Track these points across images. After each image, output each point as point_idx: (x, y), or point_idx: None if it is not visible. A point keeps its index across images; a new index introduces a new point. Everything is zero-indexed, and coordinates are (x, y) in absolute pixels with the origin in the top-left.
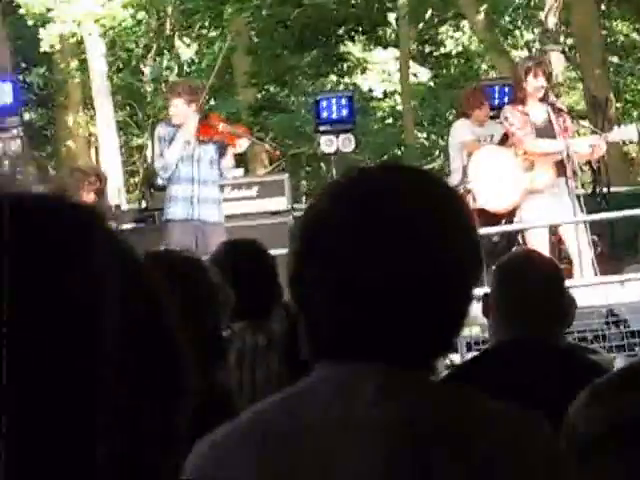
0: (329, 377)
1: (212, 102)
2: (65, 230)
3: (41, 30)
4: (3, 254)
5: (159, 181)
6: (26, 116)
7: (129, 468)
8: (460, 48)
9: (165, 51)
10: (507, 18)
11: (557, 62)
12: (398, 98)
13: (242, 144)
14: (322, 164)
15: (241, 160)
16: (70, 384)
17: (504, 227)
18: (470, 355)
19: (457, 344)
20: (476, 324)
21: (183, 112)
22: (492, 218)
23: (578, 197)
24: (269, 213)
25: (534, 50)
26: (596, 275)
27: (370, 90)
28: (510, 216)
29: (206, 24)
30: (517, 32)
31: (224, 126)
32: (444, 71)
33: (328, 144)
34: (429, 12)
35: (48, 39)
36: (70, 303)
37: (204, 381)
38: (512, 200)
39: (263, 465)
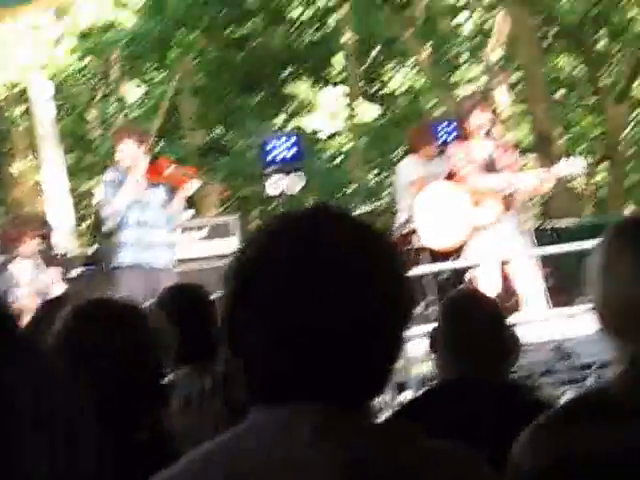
0: (268, 419)
1: (159, 145)
2: None
3: None
4: None
5: (106, 228)
6: None
7: None
8: (406, 86)
9: (111, 95)
10: (452, 55)
11: (503, 97)
12: (346, 137)
13: (192, 186)
14: (272, 204)
15: (191, 202)
16: None
17: (452, 264)
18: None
19: (411, 381)
20: (429, 360)
21: (132, 154)
22: (440, 255)
23: (527, 231)
24: (219, 256)
25: (479, 86)
26: (547, 309)
27: (315, 132)
28: (459, 252)
29: (152, 67)
30: (462, 68)
31: (173, 169)
32: (391, 109)
33: (276, 185)
34: (375, 50)
35: None
36: None
37: (147, 426)
38: (459, 237)
39: None
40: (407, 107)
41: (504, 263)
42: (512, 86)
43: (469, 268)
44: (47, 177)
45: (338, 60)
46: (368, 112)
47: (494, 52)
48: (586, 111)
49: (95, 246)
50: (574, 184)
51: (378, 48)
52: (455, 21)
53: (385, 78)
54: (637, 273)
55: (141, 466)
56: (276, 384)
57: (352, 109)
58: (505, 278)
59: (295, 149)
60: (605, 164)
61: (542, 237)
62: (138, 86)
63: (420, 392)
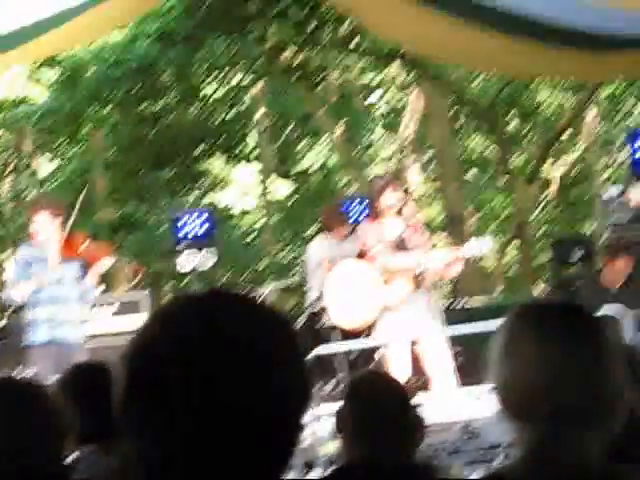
0: None
1: (72, 220)
2: None
3: None
4: None
5: (15, 305)
6: None
7: None
8: (319, 164)
9: (24, 169)
10: (365, 133)
11: (414, 177)
12: (258, 214)
13: (105, 263)
14: (184, 280)
15: (102, 278)
16: None
17: (361, 343)
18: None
19: (318, 460)
20: (336, 440)
21: (47, 227)
22: (350, 334)
23: (437, 310)
24: (129, 332)
25: (392, 164)
26: (456, 389)
27: (228, 208)
28: (368, 332)
29: (64, 141)
30: (375, 147)
31: (87, 245)
32: (304, 187)
33: (188, 261)
34: (288, 128)
35: None
36: None
37: None
38: (369, 316)
39: None
40: (320, 185)
41: (414, 342)
42: (424, 165)
43: (379, 347)
44: None
45: (252, 137)
46: (281, 189)
47: (407, 131)
48: (497, 191)
49: (4, 321)
50: (484, 263)
51: (292, 126)
52: (369, 100)
53: (298, 156)
54: (537, 357)
55: None
56: (170, 471)
57: (265, 186)
58: (415, 357)
59: (207, 225)
60: (515, 244)
61: (452, 316)
62: (51, 160)
63: (327, 472)
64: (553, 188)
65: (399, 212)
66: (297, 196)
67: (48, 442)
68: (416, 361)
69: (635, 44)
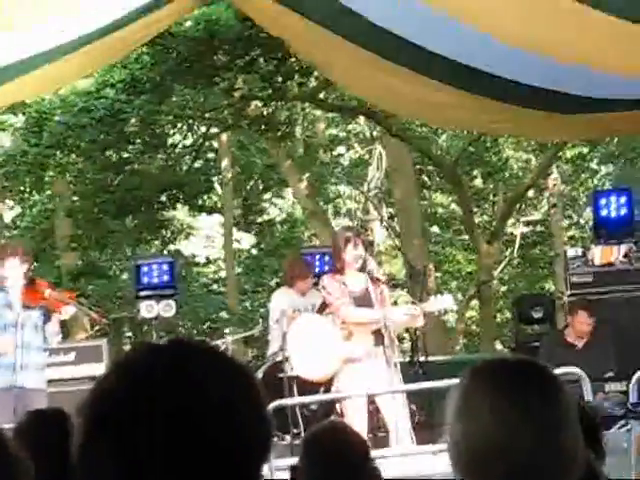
0: None
1: (33, 266)
2: None
3: None
4: None
5: None
6: None
7: None
8: (283, 215)
9: None
10: (330, 186)
11: (378, 231)
12: (222, 264)
13: (68, 310)
14: (144, 328)
15: (62, 324)
16: None
17: (321, 396)
18: None
19: None
20: None
21: (16, 273)
22: (311, 386)
23: (396, 366)
24: (87, 378)
25: (356, 219)
26: (413, 444)
27: (193, 256)
28: (328, 384)
29: (27, 188)
30: (339, 201)
31: (50, 292)
32: (268, 238)
33: (149, 309)
34: (253, 179)
35: None
36: None
37: None
38: (329, 369)
39: None
40: (283, 236)
41: (373, 396)
42: (388, 220)
43: (338, 401)
44: None
45: (216, 187)
46: (244, 240)
47: (372, 185)
48: (460, 248)
49: None
50: (446, 319)
51: (256, 177)
52: (334, 152)
53: (263, 207)
54: (491, 417)
55: None
56: None
57: (228, 237)
58: (374, 412)
59: (168, 274)
60: (476, 301)
61: (410, 372)
62: (11, 208)
63: None
64: (516, 246)
65: (362, 267)
66: (261, 247)
67: None
68: (374, 416)
69: (601, 107)
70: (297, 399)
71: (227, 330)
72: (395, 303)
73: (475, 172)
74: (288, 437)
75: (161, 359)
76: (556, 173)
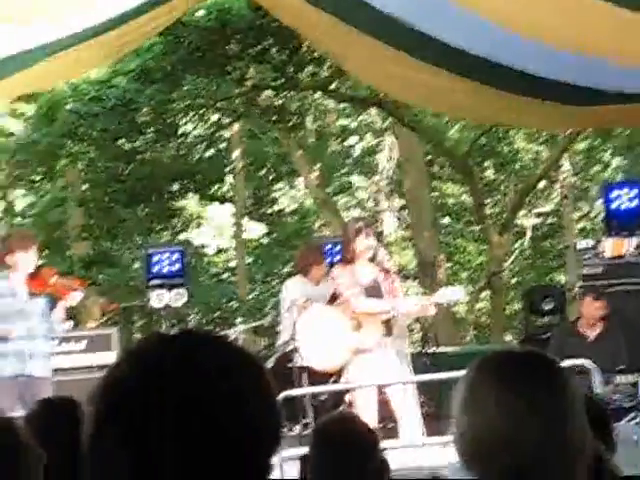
0: None
1: (44, 255)
2: None
3: None
4: None
5: None
6: None
7: None
8: (294, 205)
9: None
10: (341, 176)
11: (389, 222)
12: (232, 253)
13: (75, 297)
14: (154, 317)
15: (72, 313)
16: None
17: (331, 386)
18: None
19: None
20: None
21: (26, 262)
22: (321, 376)
23: (406, 356)
24: (98, 367)
25: (366, 209)
26: (423, 435)
27: (203, 246)
28: (338, 375)
29: (40, 176)
30: (350, 191)
31: (56, 279)
32: (278, 228)
33: (159, 298)
34: (264, 169)
35: None
36: None
37: None
38: (339, 359)
39: None
40: (294, 227)
41: (382, 387)
42: (399, 211)
43: (348, 391)
44: None
45: (228, 177)
46: (255, 230)
47: (383, 175)
48: (470, 239)
49: None
50: (456, 310)
51: (268, 167)
52: (346, 143)
53: (274, 197)
54: (497, 409)
55: None
56: None
57: (239, 226)
58: (384, 402)
59: (179, 263)
60: (487, 292)
61: (420, 363)
62: (24, 195)
63: None
64: (527, 237)
65: (372, 257)
66: (271, 237)
67: (17, 476)
68: (383, 406)
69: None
70: (307, 389)
71: (238, 320)
72: (406, 293)
73: (487, 163)
74: (298, 427)
75: (170, 349)
76: (567, 165)
